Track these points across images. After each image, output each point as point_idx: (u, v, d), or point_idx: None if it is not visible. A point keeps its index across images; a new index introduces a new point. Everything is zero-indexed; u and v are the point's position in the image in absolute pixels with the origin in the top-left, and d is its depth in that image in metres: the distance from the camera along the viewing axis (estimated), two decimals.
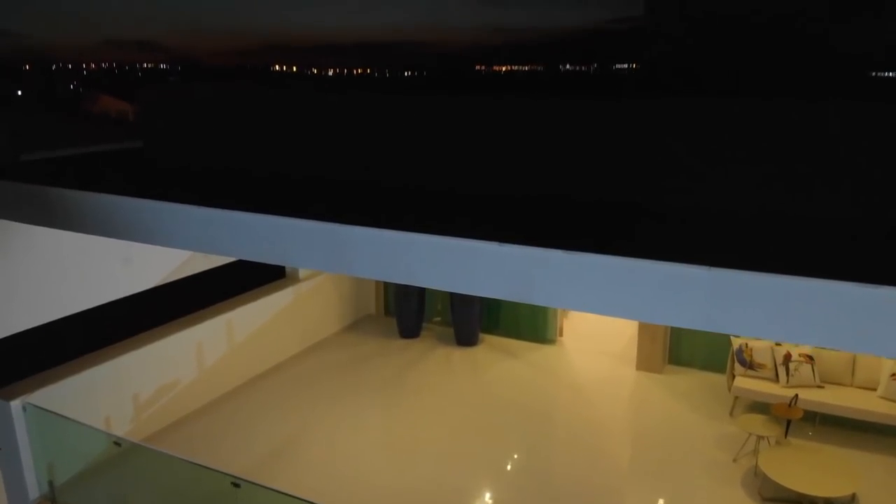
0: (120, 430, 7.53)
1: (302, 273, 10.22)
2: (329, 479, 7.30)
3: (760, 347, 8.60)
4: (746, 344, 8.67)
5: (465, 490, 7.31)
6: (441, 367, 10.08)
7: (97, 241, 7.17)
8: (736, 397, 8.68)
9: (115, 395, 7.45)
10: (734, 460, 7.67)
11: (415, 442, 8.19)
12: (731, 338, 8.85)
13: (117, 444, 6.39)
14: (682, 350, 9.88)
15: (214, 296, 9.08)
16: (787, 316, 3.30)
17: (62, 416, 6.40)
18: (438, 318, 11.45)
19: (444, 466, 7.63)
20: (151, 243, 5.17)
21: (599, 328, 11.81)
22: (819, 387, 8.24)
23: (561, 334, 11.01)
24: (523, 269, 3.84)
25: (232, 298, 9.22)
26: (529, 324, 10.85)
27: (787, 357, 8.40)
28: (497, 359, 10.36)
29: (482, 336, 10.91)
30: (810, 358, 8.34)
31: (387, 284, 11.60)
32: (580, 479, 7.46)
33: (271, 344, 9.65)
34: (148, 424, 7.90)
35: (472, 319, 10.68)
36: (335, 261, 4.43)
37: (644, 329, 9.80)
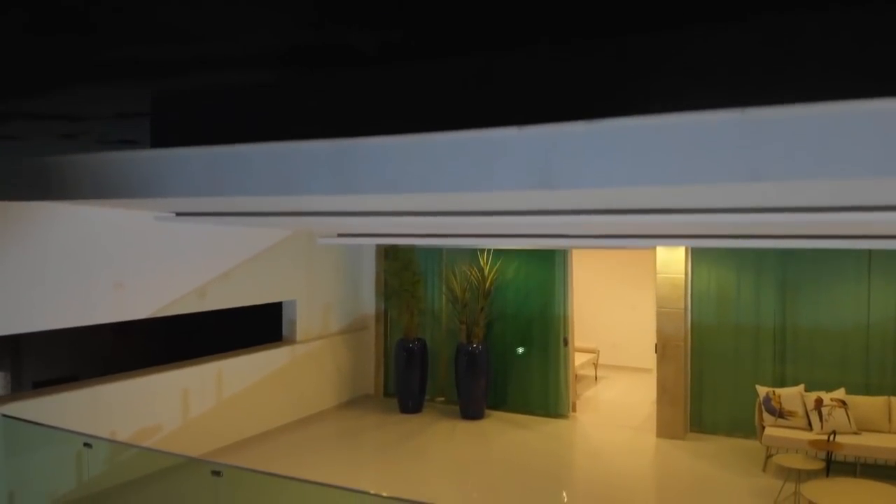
0: (93, 469, 6.79)
1: (299, 335, 9.78)
2: None
3: (789, 395, 8.04)
4: (774, 391, 8.11)
5: None
6: (445, 437, 9.35)
7: (89, 262, 6.96)
8: (768, 456, 7.96)
9: (90, 427, 6.78)
10: None
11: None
12: (757, 387, 8.30)
13: (87, 445, 5.72)
14: (703, 415, 9.22)
15: (205, 347, 8.62)
16: (838, 149, 3.05)
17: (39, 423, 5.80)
18: (442, 398, 10.79)
19: None
20: (152, 196, 4.93)
21: (615, 402, 11.18)
22: (855, 433, 7.60)
23: (574, 409, 10.33)
24: (542, 154, 3.62)
25: (225, 352, 8.72)
26: (540, 398, 10.22)
27: (819, 402, 7.82)
28: (506, 430, 9.65)
29: (488, 412, 10.23)
30: (843, 403, 7.76)
31: (387, 362, 11.07)
32: None
33: (263, 406, 9.01)
34: (125, 469, 7.13)
35: (477, 392, 10.07)
36: (342, 182, 4.19)
37: (663, 393, 9.21)
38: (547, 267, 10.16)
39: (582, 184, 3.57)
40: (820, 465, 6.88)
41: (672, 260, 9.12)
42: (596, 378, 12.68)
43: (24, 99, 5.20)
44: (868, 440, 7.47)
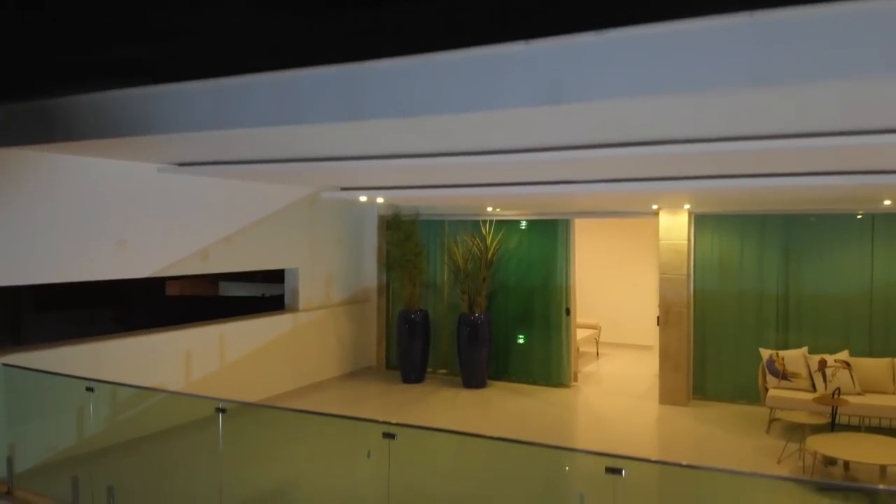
0: (94, 427, 6.78)
1: (301, 304, 9.75)
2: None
3: (792, 357, 8.03)
4: (777, 353, 8.10)
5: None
6: (447, 403, 9.33)
7: (91, 217, 6.93)
8: (772, 420, 7.94)
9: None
10: (778, 462, 6.88)
11: (416, 458, 7.33)
12: (760, 350, 8.29)
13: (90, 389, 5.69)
14: (706, 382, 9.20)
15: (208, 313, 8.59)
16: (848, 49, 3.03)
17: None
18: (444, 370, 10.77)
19: (450, 478, 6.77)
20: (155, 133, 4.90)
21: (617, 375, 11.16)
22: (859, 394, 7.58)
23: (576, 379, 10.32)
24: (550, 67, 3.60)
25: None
26: (542, 368, 10.20)
27: (823, 364, 7.81)
28: (508, 397, 9.63)
29: (490, 382, 10.21)
30: (847, 364, 7.74)
31: (389, 335, 11.05)
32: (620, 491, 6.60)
33: (266, 372, 8.97)
34: (127, 428, 7.11)
35: (479, 362, 10.05)
36: (349, 108, 4.17)
37: (665, 360, 9.19)
38: (549, 237, 10.16)
39: (592, 96, 3.56)
40: (824, 420, 6.87)
41: (675, 226, 9.10)
42: (597, 354, 12.66)
43: None
44: (872, 400, 7.45)
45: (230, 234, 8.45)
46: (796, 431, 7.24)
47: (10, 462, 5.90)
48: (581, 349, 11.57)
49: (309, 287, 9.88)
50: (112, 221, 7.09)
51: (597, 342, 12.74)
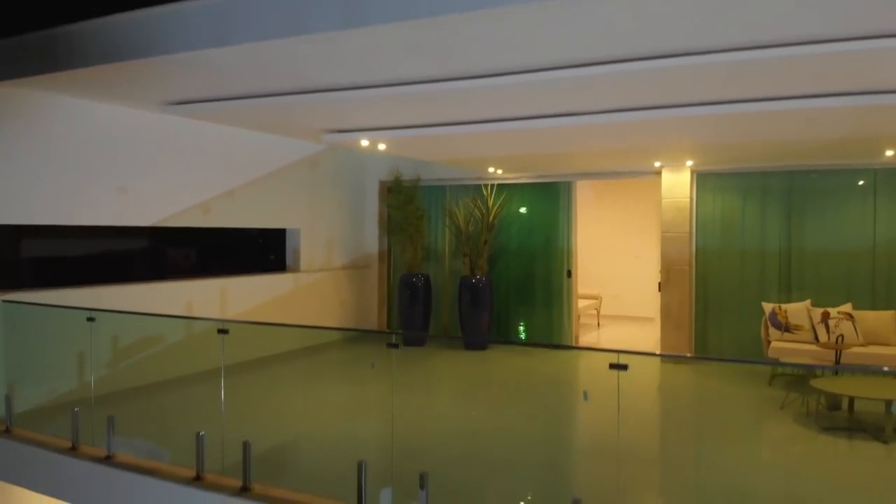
0: (95, 372, 6.75)
1: (302, 265, 9.74)
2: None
3: (795, 309, 8.01)
4: (779, 307, 8.08)
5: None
6: (448, 362, 9.34)
7: (92, 162, 6.92)
8: (773, 375, 7.91)
9: (91, 328, 6.73)
10: (781, 407, 6.85)
11: (417, 405, 7.34)
12: (763, 303, 8.27)
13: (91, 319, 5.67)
14: (708, 340, 9.17)
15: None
16: None
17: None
18: (446, 336, 10.76)
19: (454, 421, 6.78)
20: (157, 54, 4.88)
21: (618, 342, 11.14)
22: (862, 345, 7.56)
23: (577, 342, 10.30)
24: None
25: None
26: (543, 330, 10.19)
27: (826, 315, 7.78)
28: (510, 357, 9.64)
29: (492, 346, 10.19)
30: (850, 316, 7.72)
31: (390, 301, 11.04)
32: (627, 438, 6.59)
33: (267, 331, 8.93)
34: (127, 377, 7.10)
35: (481, 324, 10.02)
36: (348, 13, 4.15)
37: (667, 318, 9.18)
38: (551, 200, 10.15)
39: None
40: (829, 363, 6.85)
41: (677, 184, 9.08)
42: (598, 324, 12.65)
43: None
44: (875, 350, 7.43)
45: (231, 189, 8.43)
46: (799, 384, 7.22)
47: (8, 401, 5.88)
48: (582, 320, 11.56)
49: (310, 248, 9.87)
50: (113, 167, 7.08)
51: (597, 312, 12.73)
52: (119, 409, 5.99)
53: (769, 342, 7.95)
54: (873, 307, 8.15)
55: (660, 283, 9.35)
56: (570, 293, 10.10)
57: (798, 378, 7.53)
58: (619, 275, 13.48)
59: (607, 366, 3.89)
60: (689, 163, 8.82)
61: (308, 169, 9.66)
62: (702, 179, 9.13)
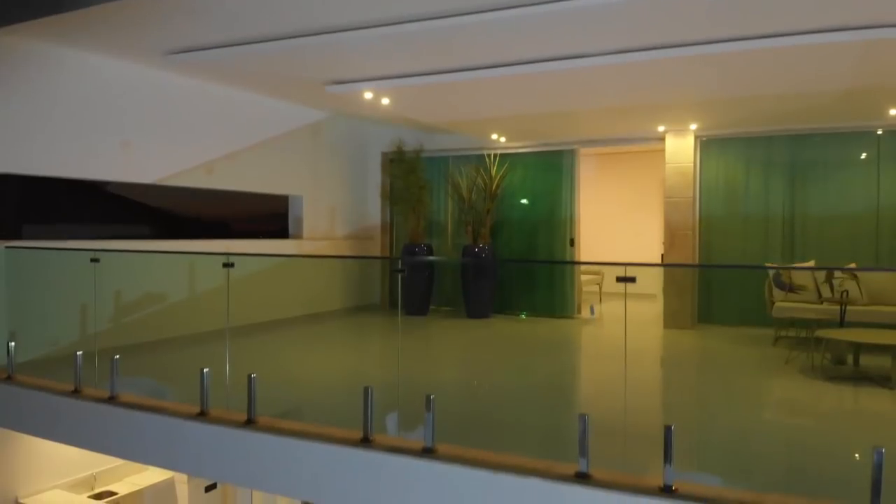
0: (99, 326, 6.73)
1: (305, 233, 9.72)
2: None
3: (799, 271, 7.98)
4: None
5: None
6: (450, 328, 9.32)
7: (96, 115, 6.90)
8: (777, 337, 7.90)
9: (93, 282, 6.70)
10: (786, 362, 6.84)
11: (422, 358, 7.32)
12: (767, 264, 8.25)
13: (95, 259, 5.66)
14: (712, 307, 9.16)
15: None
16: None
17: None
18: (448, 308, 10.73)
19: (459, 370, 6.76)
20: None
21: (620, 313, 11.10)
22: (866, 304, 7.54)
23: (579, 311, 10.28)
24: None
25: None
26: (545, 300, 10.17)
27: (830, 274, 7.75)
28: (513, 323, 9.62)
29: (494, 316, 10.17)
30: (854, 275, 7.70)
31: (392, 274, 11.02)
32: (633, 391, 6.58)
33: (270, 296, 8.93)
34: (130, 332, 7.07)
35: (483, 294, 10.01)
36: None
37: (670, 283, 9.16)
38: (554, 169, 10.13)
39: None
40: (833, 317, 6.83)
41: (681, 149, 9.07)
42: (600, 299, 12.62)
43: None
44: (879, 309, 7.41)
45: (235, 152, 8.42)
46: (804, 344, 7.21)
47: (9, 348, 5.85)
48: (584, 296, 11.53)
49: (312, 217, 9.86)
50: (117, 122, 7.08)
51: (599, 287, 12.70)
52: (122, 360, 6.00)
53: (773, 303, 7.92)
54: (877, 266, 8.15)
55: (662, 255, 9.34)
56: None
57: (802, 340, 7.52)
58: (621, 252, 13.45)
59: (616, 281, 3.79)
60: (693, 126, 8.80)
61: (310, 137, 9.65)
62: (705, 146, 9.11)
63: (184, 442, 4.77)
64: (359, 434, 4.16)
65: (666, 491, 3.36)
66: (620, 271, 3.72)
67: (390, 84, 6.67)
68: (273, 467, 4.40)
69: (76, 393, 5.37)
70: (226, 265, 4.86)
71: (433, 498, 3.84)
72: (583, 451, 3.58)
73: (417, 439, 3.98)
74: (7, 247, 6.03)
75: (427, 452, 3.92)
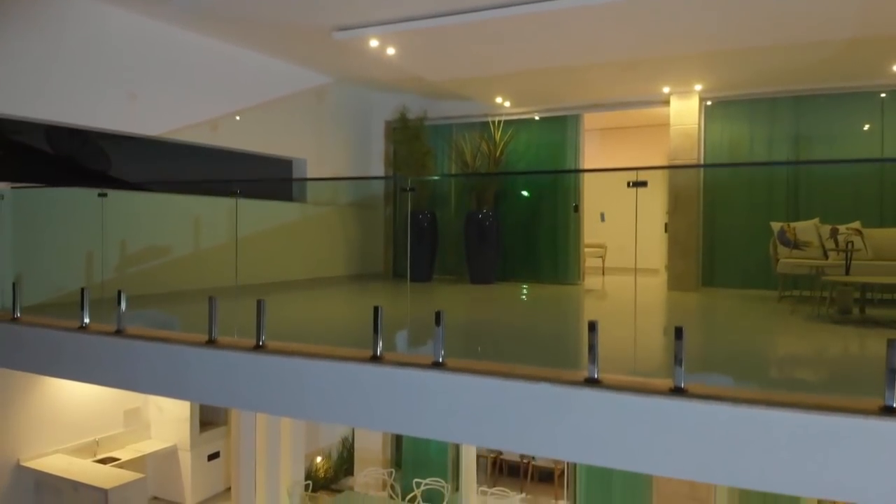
0: (106, 274, 6.73)
1: (309, 196, 9.72)
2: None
3: (804, 227, 7.96)
4: (788, 224, 8.04)
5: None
6: (455, 294, 9.30)
7: (102, 65, 6.89)
8: (782, 296, 7.90)
9: (97, 230, 6.68)
10: (791, 313, 6.84)
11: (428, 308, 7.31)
12: (771, 223, 8.24)
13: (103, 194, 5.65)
14: (716, 270, 9.16)
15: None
16: None
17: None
18: (451, 277, 10.72)
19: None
20: None
21: (623, 286, 11.13)
22: (871, 260, 7.54)
23: (583, 279, 10.28)
24: None
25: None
26: (549, 267, 10.17)
27: (835, 231, 7.75)
28: (517, 289, 9.62)
29: (498, 282, 10.17)
30: (859, 231, 7.70)
31: (396, 243, 11.01)
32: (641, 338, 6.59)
33: (275, 256, 8.92)
34: (135, 283, 7.06)
35: (487, 260, 9.99)
36: None
37: (675, 245, 9.16)
38: (558, 134, 10.13)
39: None
40: (839, 265, 6.83)
41: (685, 111, 9.07)
42: (603, 272, 12.62)
43: None
44: (884, 264, 7.42)
45: (239, 110, 8.42)
46: (808, 303, 7.22)
47: (14, 289, 5.83)
48: (587, 269, 11.54)
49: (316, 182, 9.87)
50: (123, 74, 7.06)
51: (602, 261, 12.70)
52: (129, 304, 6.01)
53: (777, 259, 7.93)
54: (881, 226, 8.15)
55: (666, 225, 9.34)
56: (577, 228, 10.08)
57: (807, 298, 7.53)
58: (624, 227, 13.42)
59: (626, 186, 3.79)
60: (698, 87, 8.80)
61: (314, 101, 9.65)
62: (709, 111, 9.11)
63: (192, 370, 4.76)
64: (369, 353, 4.16)
65: (677, 392, 3.36)
66: (632, 176, 3.71)
67: (396, 28, 6.64)
68: (283, 389, 4.39)
69: (82, 329, 5.36)
70: (233, 193, 4.84)
71: (444, 408, 3.84)
72: (592, 359, 3.58)
73: (427, 354, 3.99)
74: (13, 188, 6.02)
75: (437, 365, 3.92)
